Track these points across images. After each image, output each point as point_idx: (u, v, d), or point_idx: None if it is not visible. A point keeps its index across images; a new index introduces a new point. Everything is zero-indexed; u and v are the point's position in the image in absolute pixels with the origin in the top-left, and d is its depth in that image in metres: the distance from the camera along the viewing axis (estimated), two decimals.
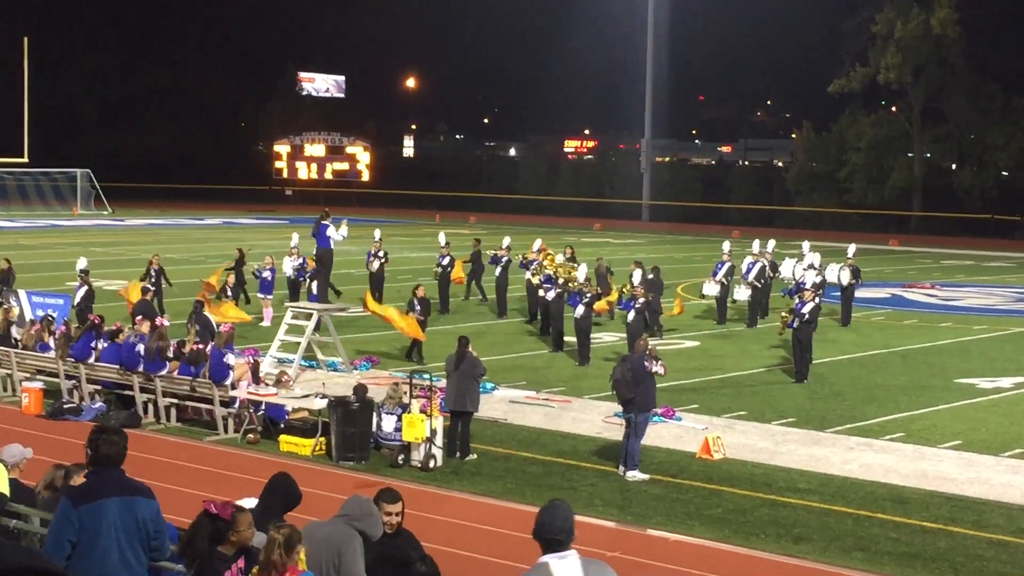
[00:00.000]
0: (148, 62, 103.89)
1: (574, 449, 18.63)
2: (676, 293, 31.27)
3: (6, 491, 10.35)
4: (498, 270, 33.17)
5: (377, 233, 34.58)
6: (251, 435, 18.91)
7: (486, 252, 35.10)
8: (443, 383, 18.51)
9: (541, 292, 28.96)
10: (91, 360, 21.04)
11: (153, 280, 29.83)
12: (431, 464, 17.22)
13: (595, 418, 20.54)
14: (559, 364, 26.02)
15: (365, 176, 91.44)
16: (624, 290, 27.30)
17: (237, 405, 19.33)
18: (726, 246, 33.69)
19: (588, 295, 26.51)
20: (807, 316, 24.52)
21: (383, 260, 33.57)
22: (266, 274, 30.97)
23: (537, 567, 6.55)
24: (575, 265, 29.13)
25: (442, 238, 34.78)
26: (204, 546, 7.75)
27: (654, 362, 17.28)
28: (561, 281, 27.86)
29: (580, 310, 26.09)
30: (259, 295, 31.23)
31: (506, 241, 34.65)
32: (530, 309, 31.94)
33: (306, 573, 7.42)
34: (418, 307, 25.78)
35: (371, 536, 8.53)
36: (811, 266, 31.46)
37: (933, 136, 79.57)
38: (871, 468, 17.64)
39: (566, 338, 27.38)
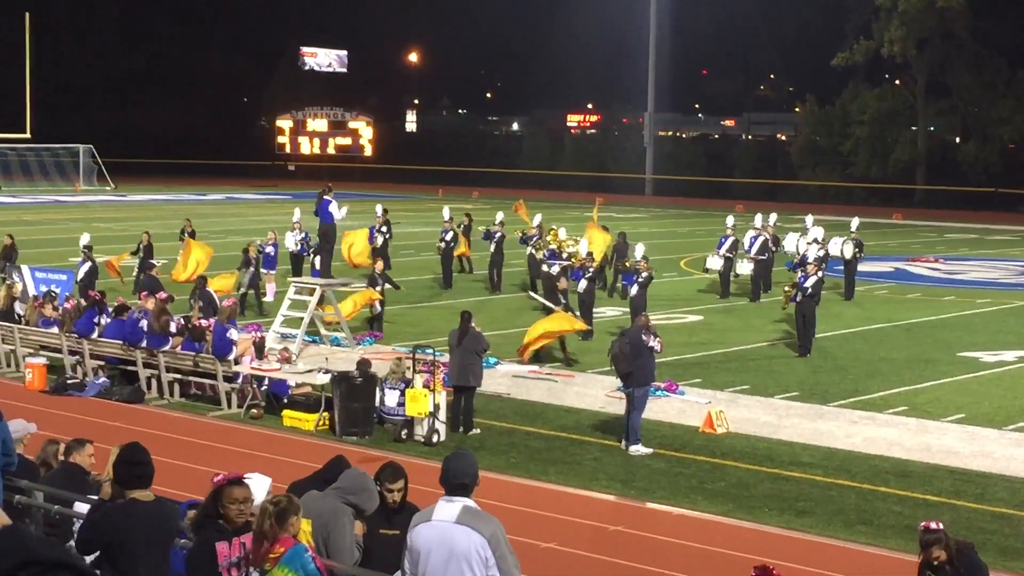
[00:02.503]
0: (151, 37, 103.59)
1: (577, 423, 18.65)
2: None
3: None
4: (492, 246, 32.97)
5: (379, 208, 34.49)
6: (254, 410, 18.92)
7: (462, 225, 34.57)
8: (446, 358, 18.52)
9: (545, 267, 28.92)
10: (94, 336, 21.06)
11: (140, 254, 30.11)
12: (434, 439, 17.24)
13: (598, 392, 20.55)
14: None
15: (368, 151, 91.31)
16: (627, 264, 27.28)
17: (240, 380, 19.34)
18: (729, 220, 33.70)
19: (591, 269, 26.51)
20: (810, 290, 24.49)
21: (387, 235, 33.49)
22: (269, 249, 30.95)
23: (429, 507, 7.43)
24: (577, 240, 29.10)
25: (446, 212, 34.74)
26: (203, 516, 7.81)
27: (652, 337, 17.31)
28: (565, 255, 27.83)
29: (583, 284, 26.08)
30: (262, 270, 31.22)
31: (499, 216, 34.49)
32: (532, 284, 31.90)
33: (299, 545, 7.32)
34: (564, 301, 24.19)
35: (365, 510, 8.53)
36: (815, 240, 31.42)
37: (937, 109, 79.39)
38: (874, 442, 17.65)
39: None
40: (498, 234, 33.09)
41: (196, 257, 28.85)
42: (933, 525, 9.09)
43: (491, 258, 32.98)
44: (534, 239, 31.49)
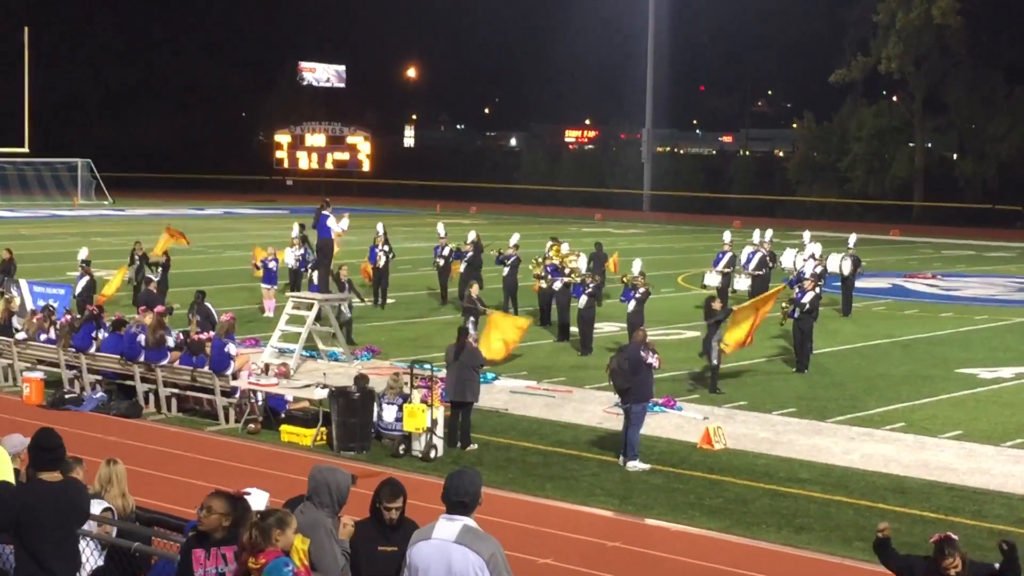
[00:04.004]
0: (149, 51, 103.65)
1: (575, 439, 18.65)
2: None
3: (10, 478, 10.32)
4: (463, 266, 32.50)
5: (380, 227, 34.18)
6: (252, 425, 18.92)
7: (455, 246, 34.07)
8: (443, 373, 18.52)
9: (544, 284, 28.86)
10: (92, 350, 21.05)
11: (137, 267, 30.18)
12: (432, 454, 17.24)
13: (596, 408, 20.55)
14: (561, 354, 26.01)
15: (366, 166, 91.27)
16: (624, 279, 27.28)
17: (238, 395, 19.34)
18: (727, 236, 33.72)
19: (591, 285, 26.54)
20: (808, 306, 24.53)
21: (390, 255, 33.13)
22: (271, 264, 30.97)
23: (429, 525, 7.44)
24: (578, 255, 29.11)
25: (441, 228, 34.67)
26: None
27: (650, 353, 17.33)
28: (567, 271, 27.86)
29: (584, 300, 26.11)
30: (262, 285, 31.24)
31: (471, 236, 34.02)
32: (508, 302, 31.66)
33: (280, 558, 7.28)
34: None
35: (340, 500, 8.54)
36: (812, 256, 31.46)
37: (934, 126, 79.57)
38: (872, 458, 17.65)
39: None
40: (469, 254, 32.65)
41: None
42: (952, 535, 9.44)
43: (461, 277, 32.16)
44: (511, 259, 31.01)
